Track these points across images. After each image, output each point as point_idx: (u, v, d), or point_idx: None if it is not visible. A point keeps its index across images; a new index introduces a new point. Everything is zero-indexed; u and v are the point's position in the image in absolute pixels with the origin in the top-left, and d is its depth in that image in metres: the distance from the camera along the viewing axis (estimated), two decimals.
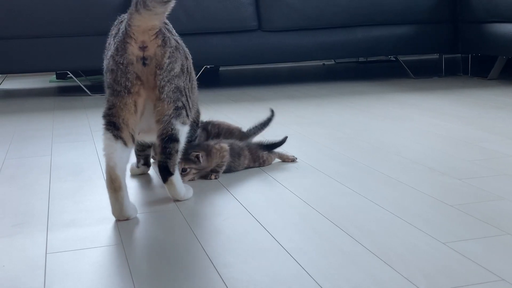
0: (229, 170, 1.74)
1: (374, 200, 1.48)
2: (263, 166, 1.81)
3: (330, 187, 1.60)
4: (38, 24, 3.38)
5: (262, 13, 3.58)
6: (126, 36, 1.40)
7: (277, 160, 1.87)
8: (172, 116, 1.45)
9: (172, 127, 1.45)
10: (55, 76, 4.58)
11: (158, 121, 1.45)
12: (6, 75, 4.39)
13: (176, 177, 1.50)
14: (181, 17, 3.45)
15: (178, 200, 1.53)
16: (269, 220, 1.37)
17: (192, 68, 1.58)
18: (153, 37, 1.41)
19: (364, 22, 3.67)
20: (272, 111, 2.00)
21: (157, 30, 1.41)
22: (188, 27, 3.45)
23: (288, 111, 2.79)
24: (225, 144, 1.72)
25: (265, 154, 1.83)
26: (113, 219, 1.41)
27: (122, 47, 1.40)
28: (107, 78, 1.44)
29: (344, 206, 1.45)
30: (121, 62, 1.40)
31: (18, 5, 3.34)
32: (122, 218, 1.40)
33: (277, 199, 1.52)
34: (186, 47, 1.57)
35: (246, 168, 1.79)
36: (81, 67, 3.58)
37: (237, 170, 1.77)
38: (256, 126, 1.99)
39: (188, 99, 1.50)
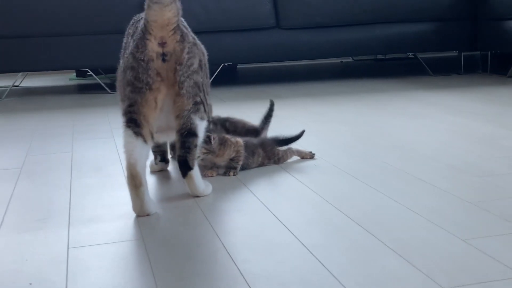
0: (242, 167, 1.75)
1: (393, 197, 1.48)
2: (279, 163, 1.82)
3: (348, 184, 1.60)
4: (58, 22, 3.41)
5: (280, 10, 3.59)
6: (146, 33, 1.42)
7: (295, 157, 1.88)
8: (191, 111, 1.46)
9: (191, 122, 1.46)
10: (75, 74, 4.62)
11: (177, 117, 1.47)
12: (27, 73, 4.44)
13: (196, 172, 1.51)
14: (200, 15, 3.46)
15: (197, 196, 1.54)
16: (287, 217, 1.38)
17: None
18: (171, 32, 1.42)
19: (382, 19, 3.66)
20: (272, 102, 2.03)
21: (175, 25, 1.42)
22: (206, 25, 3.46)
23: (306, 108, 2.79)
24: (240, 139, 1.73)
25: (280, 151, 1.83)
26: (133, 214, 1.43)
27: (142, 44, 1.42)
28: (126, 76, 1.45)
29: (363, 202, 1.45)
30: (142, 58, 1.41)
31: (39, 4, 3.38)
32: (143, 214, 1.42)
33: (296, 196, 1.52)
34: (204, 44, 1.58)
35: (261, 165, 1.80)
36: (100, 65, 3.61)
37: (251, 168, 1.77)
38: (262, 121, 2.01)
39: (206, 95, 1.52)
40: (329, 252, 1.17)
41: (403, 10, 3.65)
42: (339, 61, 5.10)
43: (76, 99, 3.47)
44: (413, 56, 4.74)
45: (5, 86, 4.09)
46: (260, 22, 3.56)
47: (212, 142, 1.66)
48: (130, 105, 1.43)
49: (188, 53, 1.44)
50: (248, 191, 1.58)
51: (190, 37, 1.47)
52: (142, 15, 1.48)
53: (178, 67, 1.43)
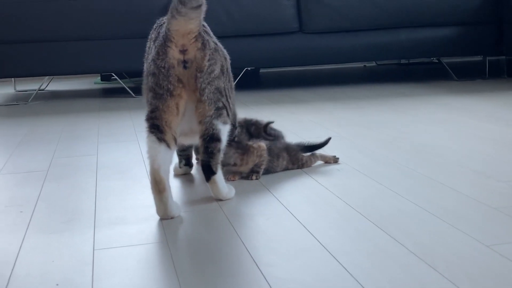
0: (267, 171, 1.76)
1: (417, 202, 1.47)
2: (303, 168, 1.82)
3: (372, 189, 1.60)
4: (83, 27, 3.46)
5: (303, 15, 3.59)
6: (167, 40, 1.43)
7: (319, 162, 1.88)
8: (213, 116, 1.47)
9: (214, 127, 1.47)
10: (99, 78, 4.68)
11: (200, 122, 1.48)
12: (52, 76, 4.50)
13: (219, 176, 1.52)
14: (223, 20, 3.48)
15: (220, 200, 1.55)
16: (311, 221, 1.38)
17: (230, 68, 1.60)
18: (193, 40, 1.43)
19: (406, 24, 3.64)
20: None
21: (196, 33, 1.43)
22: (229, 29, 3.48)
23: (329, 112, 2.79)
24: (263, 143, 1.74)
25: (305, 156, 1.83)
26: (157, 217, 1.44)
27: (163, 51, 1.43)
28: (148, 81, 1.47)
29: (387, 208, 1.45)
30: (163, 66, 1.43)
31: (65, 9, 3.43)
32: (166, 217, 1.43)
33: (319, 200, 1.53)
34: (227, 49, 1.59)
35: (285, 169, 1.80)
36: (125, 69, 3.65)
37: (275, 171, 1.78)
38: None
39: (228, 99, 1.52)
40: (352, 256, 1.17)
41: (427, 14, 3.63)
42: (363, 65, 5.08)
43: (101, 102, 3.51)
44: (437, 61, 4.71)
45: (31, 90, 4.15)
46: (283, 27, 3.57)
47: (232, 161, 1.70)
48: (152, 111, 1.45)
49: (209, 60, 1.45)
50: (271, 195, 1.59)
51: (212, 43, 1.48)
52: (165, 19, 1.50)
53: (199, 74, 1.44)
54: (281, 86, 3.88)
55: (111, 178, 1.81)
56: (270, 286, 1.06)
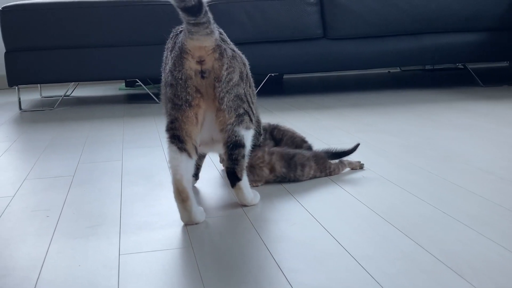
0: (292, 180, 1.75)
1: (443, 209, 1.46)
2: (330, 176, 1.81)
3: (397, 195, 1.59)
4: (108, 33, 3.49)
5: (327, 21, 3.59)
6: (183, 52, 1.42)
7: (347, 169, 1.86)
8: (234, 124, 1.47)
9: (236, 134, 1.47)
10: (124, 84, 4.72)
11: (221, 130, 1.48)
12: (78, 83, 4.55)
13: (244, 182, 1.52)
14: (247, 26, 3.49)
15: (245, 205, 1.55)
16: (336, 227, 1.37)
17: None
18: (210, 51, 1.42)
19: (431, 29, 3.62)
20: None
21: (213, 47, 1.42)
22: (253, 35, 3.49)
23: (353, 119, 2.78)
24: (269, 156, 1.73)
25: (332, 164, 1.82)
26: (182, 222, 1.45)
27: (179, 62, 1.42)
28: (167, 92, 1.47)
29: (412, 214, 1.44)
30: (180, 77, 1.42)
31: (90, 16, 3.47)
32: (191, 223, 1.44)
33: (344, 207, 1.52)
34: (251, 55, 1.58)
35: (312, 178, 1.79)
36: (149, 75, 3.67)
37: (302, 180, 1.77)
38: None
39: (251, 104, 1.52)
40: (377, 263, 1.16)
41: (452, 20, 3.60)
42: (387, 71, 5.06)
43: (125, 108, 3.54)
44: (462, 67, 4.67)
45: (57, 96, 4.20)
46: (307, 33, 3.57)
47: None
48: (172, 122, 1.45)
49: (227, 69, 1.44)
50: (295, 201, 1.58)
51: (229, 51, 1.46)
52: (181, 28, 1.50)
53: (217, 84, 1.43)
54: (304, 92, 3.88)
55: (136, 184, 1.82)
56: None
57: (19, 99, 3.61)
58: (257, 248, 1.27)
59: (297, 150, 1.80)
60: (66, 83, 4.09)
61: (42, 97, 4.22)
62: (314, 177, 1.79)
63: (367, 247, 1.25)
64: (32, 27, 3.44)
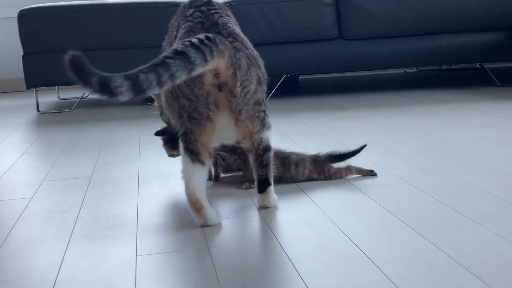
0: (285, 180, 1.73)
1: (460, 210, 1.45)
2: (331, 179, 1.77)
3: (413, 196, 1.58)
4: (124, 36, 3.52)
5: (342, 21, 3.58)
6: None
7: (355, 175, 1.83)
8: (260, 131, 1.47)
9: (263, 140, 1.48)
10: None
11: (244, 138, 1.48)
12: None
13: (272, 186, 1.54)
14: (262, 27, 3.49)
15: (266, 208, 1.55)
16: (351, 229, 1.37)
17: None
18: (224, 68, 1.38)
19: (447, 29, 3.60)
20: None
21: (227, 62, 1.38)
22: (269, 36, 3.49)
23: (369, 119, 2.77)
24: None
25: (333, 168, 1.78)
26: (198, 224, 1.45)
27: (198, 80, 1.38)
28: (181, 102, 1.42)
29: (429, 215, 1.43)
30: (201, 94, 1.39)
31: (107, 19, 3.49)
32: (207, 226, 1.44)
33: (359, 208, 1.52)
34: (267, 56, 1.56)
35: (309, 179, 1.77)
36: None
37: (298, 180, 1.76)
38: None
39: (265, 102, 1.51)
40: (393, 264, 1.16)
41: (468, 19, 3.58)
42: (403, 71, 5.03)
43: (142, 110, 3.56)
44: (479, 66, 4.64)
45: (74, 98, 4.23)
46: (322, 33, 3.57)
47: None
48: (185, 133, 1.42)
49: (241, 84, 1.41)
50: (311, 202, 1.58)
51: (244, 63, 1.41)
52: (188, 3, 1.48)
53: (232, 99, 1.41)
54: (320, 93, 3.87)
55: (153, 185, 1.83)
56: None
57: (37, 101, 3.65)
58: (273, 250, 1.27)
59: (293, 151, 1.79)
60: None
61: (59, 99, 4.25)
62: (312, 178, 1.77)
63: (383, 248, 1.24)
64: (50, 29, 3.47)
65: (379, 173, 1.83)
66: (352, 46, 3.60)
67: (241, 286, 1.10)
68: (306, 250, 1.26)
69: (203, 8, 1.48)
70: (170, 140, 1.79)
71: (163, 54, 1.26)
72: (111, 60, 3.52)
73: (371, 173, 1.80)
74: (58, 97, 4.30)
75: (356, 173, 1.81)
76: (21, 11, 3.49)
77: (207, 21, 1.45)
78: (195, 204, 1.43)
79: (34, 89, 3.62)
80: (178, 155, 1.81)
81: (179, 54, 1.25)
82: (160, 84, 1.22)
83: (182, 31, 1.46)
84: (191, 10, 1.49)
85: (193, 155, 1.42)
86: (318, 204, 1.56)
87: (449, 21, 3.58)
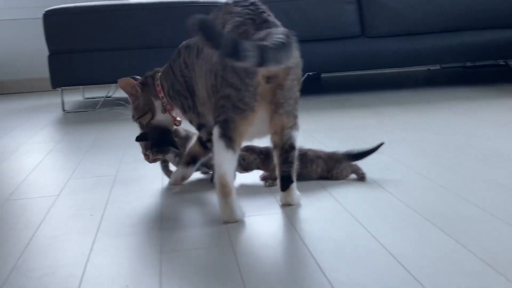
0: (301, 177, 1.70)
1: (484, 208, 1.44)
2: (337, 179, 1.75)
3: (437, 194, 1.58)
4: (149, 35, 3.54)
5: (365, 19, 3.57)
6: None
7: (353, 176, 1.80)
8: (292, 128, 1.50)
9: (292, 137, 1.50)
10: None
11: (275, 133, 1.50)
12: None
13: (295, 184, 1.55)
14: (285, 25, 3.49)
15: (288, 205, 1.56)
16: (375, 226, 1.37)
17: None
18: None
19: (471, 26, 3.57)
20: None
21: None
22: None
23: (392, 117, 2.76)
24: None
25: (339, 167, 1.75)
26: (222, 221, 1.46)
27: (252, 70, 1.39)
28: (225, 90, 1.43)
29: (452, 213, 1.42)
30: (251, 84, 1.41)
31: (130, 18, 3.52)
32: (231, 220, 1.45)
33: (383, 205, 1.51)
34: None
35: (322, 178, 1.76)
36: None
37: (312, 178, 1.76)
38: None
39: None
40: (418, 262, 1.16)
41: (493, 16, 3.54)
42: (426, 68, 5.00)
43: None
44: (504, 63, 4.59)
45: (99, 97, 4.27)
46: (345, 31, 3.56)
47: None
48: (226, 121, 1.43)
49: (291, 78, 1.44)
50: (333, 199, 1.59)
51: (298, 59, 1.47)
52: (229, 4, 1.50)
53: (278, 91, 1.44)
54: (343, 91, 3.86)
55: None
56: None
57: (62, 100, 3.69)
58: (296, 247, 1.28)
59: (311, 148, 1.79)
60: (108, 84, 4.15)
61: (84, 98, 4.30)
62: (323, 176, 1.77)
63: (407, 246, 1.24)
64: (74, 30, 3.51)
65: (402, 170, 1.82)
66: (374, 43, 3.58)
67: (265, 283, 1.11)
68: (329, 247, 1.26)
69: (251, 7, 1.51)
70: (155, 145, 1.79)
71: (275, 41, 1.30)
72: (135, 60, 3.55)
73: (362, 177, 1.75)
74: (83, 96, 4.35)
75: (352, 171, 1.78)
76: (46, 12, 3.53)
77: (258, 18, 1.48)
78: (224, 188, 1.44)
79: (60, 89, 3.67)
80: (163, 158, 1.83)
81: (286, 46, 1.32)
82: (276, 63, 1.30)
83: (230, 25, 1.48)
84: (238, 8, 1.51)
85: (229, 141, 1.43)
86: (341, 201, 1.56)
87: (473, 17, 3.54)
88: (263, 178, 1.77)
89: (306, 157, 1.75)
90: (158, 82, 1.77)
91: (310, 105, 3.29)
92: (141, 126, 1.82)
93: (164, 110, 1.78)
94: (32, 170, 2.13)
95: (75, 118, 3.36)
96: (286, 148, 1.50)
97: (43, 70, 4.85)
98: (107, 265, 1.24)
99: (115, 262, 1.26)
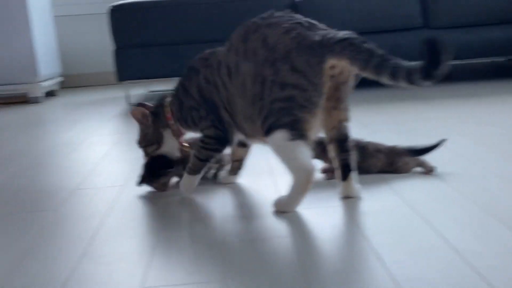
0: (362, 170, 1.70)
1: None
2: (399, 173, 1.74)
3: (502, 189, 1.55)
4: (214, 29, 3.59)
5: (429, 9, 3.51)
6: (323, 61, 1.42)
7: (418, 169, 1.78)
8: (347, 120, 1.53)
9: (346, 128, 1.54)
10: None
11: (333, 127, 1.53)
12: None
13: (355, 175, 1.56)
14: (346, 17, 3.48)
15: (348, 197, 1.56)
16: (437, 220, 1.36)
17: None
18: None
19: None
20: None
21: None
22: (351, 25, 3.44)
23: (455, 110, 2.71)
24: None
25: (401, 161, 1.74)
26: (282, 212, 1.48)
27: (318, 70, 1.42)
28: (286, 92, 1.43)
29: None
30: (319, 83, 1.43)
31: (194, 12, 3.58)
32: (291, 211, 1.48)
33: (444, 199, 1.50)
34: None
35: (382, 171, 1.75)
36: None
37: (372, 172, 1.75)
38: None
39: None
40: (481, 256, 1.15)
41: None
42: (490, 61, 4.87)
43: None
44: None
45: (162, 90, 4.36)
46: (407, 22, 3.51)
47: None
48: (296, 122, 1.44)
49: (353, 74, 1.48)
50: (395, 192, 1.58)
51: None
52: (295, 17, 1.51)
53: (342, 87, 1.48)
54: None
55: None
56: (396, 284, 1.06)
57: (128, 94, 3.79)
58: (356, 240, 1.28)
59: (371, 141, 1.78)
60: (172, 78, 4.23)
61: (148, 91, 4.39)
62: (383, 170, 1.75)
63: (470, 240, 1.23)
64: (140, 24, 3.60)
65: (465, 164, 1.79)
66: (438, 35, 3.51)
67: (326, 275, 1.12)
68: (390, 240, 1.26)
69: (287, 16, 1.52)
70: (151, 174, 1.74)
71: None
72: (199, 54, 3.59)
73: (431, 170, 1.74)
74: (147, 90, 4.44)
75: (418, 166, 1.76)
76: (112, 7, 3.63)
77: (304, 21, 1.49)
78: (309, 185, 1.46)
79: (125, 82, 3.77)
80: (168, 182, 1.77)
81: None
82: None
83: (278, 33, 1.48)
84: (274, 19, 1.52)
85: (305, 139, 1.45)
86: (402, 194, 1.56)
87: None
88: (324, 171, 1.78)
89: (366, 150, 1.74)
90: (168, 108, 1.74)
91: (371, 97, 3.27)
92: (145, 153, 1.78)
93: (176, 136, 1.74)
94: (99, 160, 2.20)
95: None
96: (342, 138, 1.53)
97: (108, 64, 4.98)
98: (173, 253, 1.28)
99: (180, 249, 1.29)
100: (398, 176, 1.73)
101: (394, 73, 1.37)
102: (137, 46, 3.62)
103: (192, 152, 1.68)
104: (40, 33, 4.24)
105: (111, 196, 1.74)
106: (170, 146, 1.76)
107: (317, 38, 1.43)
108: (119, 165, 2.11)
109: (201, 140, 1.64)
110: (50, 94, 4.50)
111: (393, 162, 1.75)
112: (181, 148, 1.77)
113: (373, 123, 2.52)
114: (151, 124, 1.75)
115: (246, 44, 1.52)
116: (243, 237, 1.35)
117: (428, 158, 1.77)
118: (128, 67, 3.64)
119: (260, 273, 1.15)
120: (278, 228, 1.39)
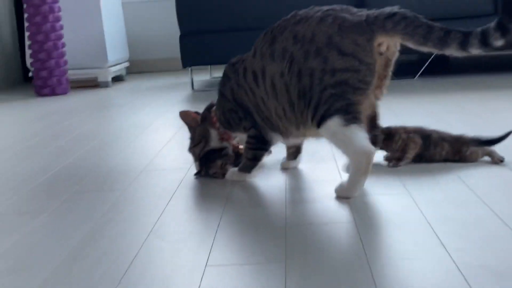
0: (424, 159, 1.72)
1: None
2: (466, 162, 1.71)
3: None
4: (279, 16, 3.59)
5: None
6: (372, 38, 1.43)
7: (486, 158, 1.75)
8: (380, 99, 1.55)
9: (378, 107, 1.57)
10: None
11: (371, 105, 1.53)
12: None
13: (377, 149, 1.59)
14: (414, 4, 3.42)
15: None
16: (502, 209, 1.34)
17: None
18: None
19: None
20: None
21: None
22: (419, 12, 3.40)
23: None
24: (406, 135, 1.73)
25: (469, 150, 1.71)
26: (345, 197, 1.49)
27: (368, 48, 1.43)
28: (340, 76, 1.44)
29: None
30: (370, 62, 1.44)
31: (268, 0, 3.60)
32: (351, 197, 1.49)
33: (511, 188, 1.47)
34: None
35: (445, 160, 1.73)
36: None
37: (434, 161, 1.73)
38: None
39: None
40: None
41: None
42: None
43: None
44: None
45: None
46: (477, 9, 3.42)
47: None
48: (350, 105, 1.45)
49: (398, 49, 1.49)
50: (460, 181, 1.56)
51: None
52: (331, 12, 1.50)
53: (389, 62, 1.48)
54: (472, 72, 3.72)
55: (301, 161, 1.88)
56: (460, 271, 1.06)
57: (192, 79, 3.85)
58: (420, 227, 1.28)
59: (436, 129, 1.75)
60: None
61: (211, 77, 4.45)
62: (447, 159, 1.73)
63: None
64: (206, 11, 3.64)
65: None
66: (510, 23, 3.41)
67: (388, 259, 1.13)
68: (455, 228, 1.25)
69: (315, 8, 1.55)
70: (207, 160, 1.76)
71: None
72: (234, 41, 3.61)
73: (501, 160, 1.70)
74: (210, 75, 4.50)
75: (487, 156, 1.73)
76: None
77: (334, 7, 1.51)
78: (370, 167, 1.46)
79: (190, 68, 3.83)
80: (225, 164, 1.76)
81: None
82: None
83: (316, 19, 1.51)
84: (310, 11, 1.54)
85: (360, 122, 1.46)
86: (467, 183, 1.54)
87: None
88: (387, 159, 1.77)
89: (430, 139, 1.72)
90: (213, 113, 1.76)
91: (437, 86, 3.21)
92: (195, 157, 1.79)
93: (222, 139, 1.77)
94: (165, 143, 2.26)
95: (203, 96, 3.49)
96: (374, 115, 1.55)
97: (174, 50, 5.06)
98: (236, 233, 1.31)
99: (243, 230, 1.32)
100: (465, 165, 1.70)
101: (464, 42, 1.35)
102: (202, 32, 3.67)
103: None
104: (110, 19, 4.35)
105: (177, 178, 1.79)
106: (217, 142, 1.77)
107: (357, 18, 1.45)
108: (185, 148, 2.16)
109: (246, 141, 1.69)
110: (117, 79, 4.62)
111: (459, 151, 1.73)
112: (235, 150, 1.80)
113: (439, 111, 2.48)
114: (199, 123, 1.78)
115: (273, 46, 1.55)
116: (304, 220, 1.36)
117: (495, 147, 1.74)
118: (193, 53, 3.69)
119: (320, 256, 1.16)
120: (339, 213, 1.40)
